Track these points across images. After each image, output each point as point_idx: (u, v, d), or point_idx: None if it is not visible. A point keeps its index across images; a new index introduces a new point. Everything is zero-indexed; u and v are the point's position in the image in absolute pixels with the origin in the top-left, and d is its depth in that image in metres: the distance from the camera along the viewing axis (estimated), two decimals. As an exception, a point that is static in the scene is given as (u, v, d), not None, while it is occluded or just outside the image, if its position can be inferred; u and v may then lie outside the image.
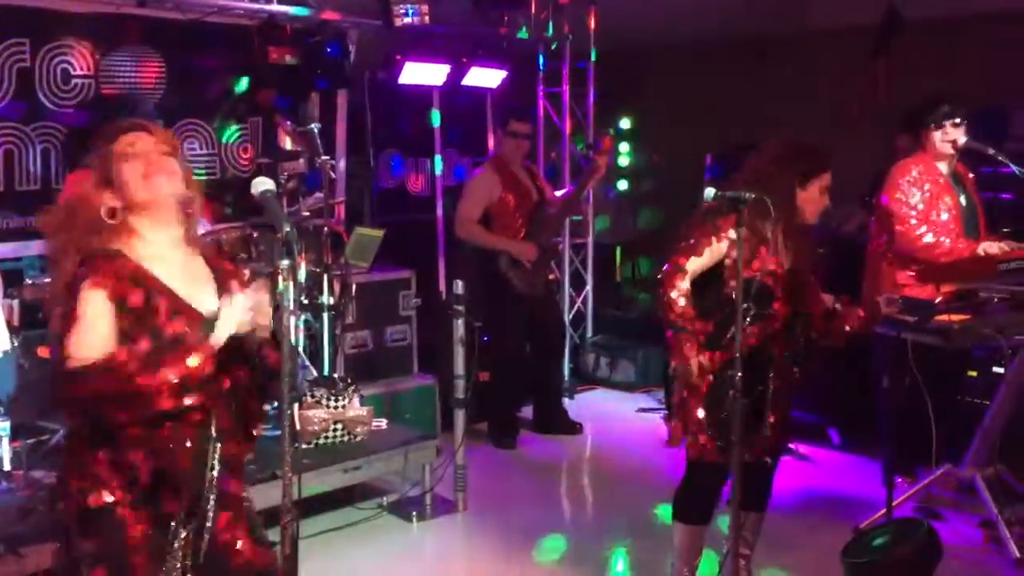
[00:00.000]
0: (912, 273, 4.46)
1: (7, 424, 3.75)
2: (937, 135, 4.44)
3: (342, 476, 4.28)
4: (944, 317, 3.93)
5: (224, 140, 5.37)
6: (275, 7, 5.16)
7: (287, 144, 5.55)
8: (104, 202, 2.23)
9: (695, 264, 3.25)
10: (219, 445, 2.21)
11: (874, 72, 6.38)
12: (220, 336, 2.13)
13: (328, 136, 5.52)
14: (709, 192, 3.20)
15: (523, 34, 6.39)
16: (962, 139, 4.44)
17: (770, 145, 3.45)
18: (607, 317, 7.30)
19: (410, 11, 5.40)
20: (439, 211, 6.56)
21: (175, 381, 2.06)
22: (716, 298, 3.28)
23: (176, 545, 2.18)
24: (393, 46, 5.77)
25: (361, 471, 4.38)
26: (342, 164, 5.84)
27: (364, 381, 5.01)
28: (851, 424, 5.48)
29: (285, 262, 2.02)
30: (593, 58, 6.86)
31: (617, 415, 6.36)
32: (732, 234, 3.17)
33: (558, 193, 6.01)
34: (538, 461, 5.56)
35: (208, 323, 2.16)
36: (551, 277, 6.24)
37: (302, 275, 4.70)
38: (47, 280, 4.01)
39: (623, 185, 8.03)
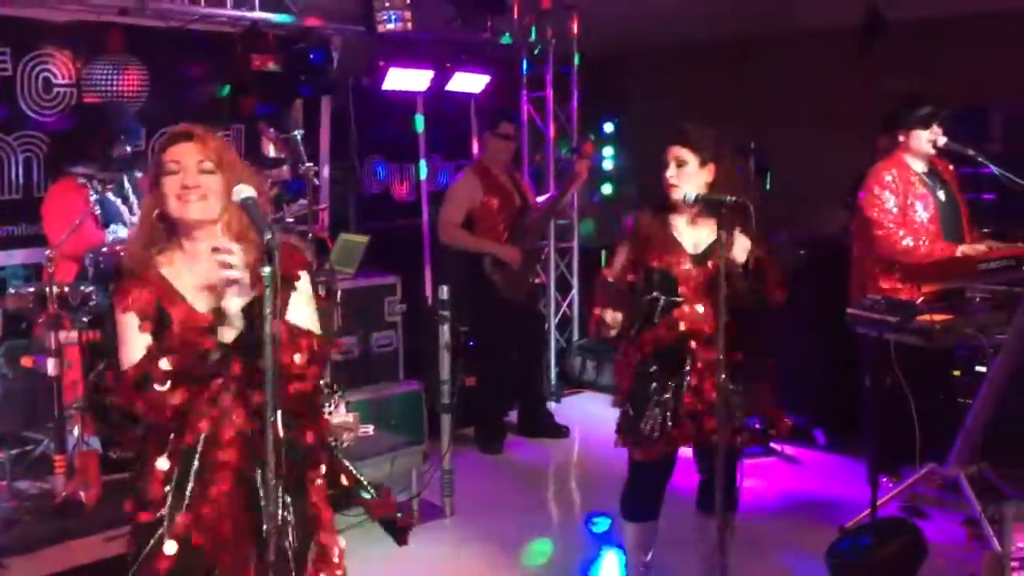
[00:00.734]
0: (896, 276, 4.49)
1: (-8, 434, 3.73)
2: (924, 134, 4.47)
3: (329, 483, 4.27)
4: (926, 317, 3.95)
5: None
6: (257, 14, 5.16)
7: (270, 151, 5.53)
8: (152, 204, 2.32)
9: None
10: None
11: (857, 73, 6.42)
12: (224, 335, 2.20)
13: (312, 143, 5.52)
14: (691, 195, 3.22)
15: (506, 39, 6.40)
16: (942, 139, 4.48)
17: None
18: (593, 321, 7.30)
19: (393, 17, 5.40)
20: (424, 216, 6.56)
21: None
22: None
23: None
24: (376, 52, 5.78)
25: (348, 477, 4.37)
26: (326, 171, 5.84)
27: (350, 387, 5.00)
28: (836, 425, 5.51)
29: (267, 269, 2.02)
30: (576, 62, 6.87)
31: (603, 418, 6.29)
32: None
33: (540, 199, 6.02)
34: (525, 465, 5.57)
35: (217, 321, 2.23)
36: (536, 281, 6.25)
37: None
38: (31, 289, 4.00)
39: (607, 189, 8.05)
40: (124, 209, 4.24)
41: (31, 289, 4.01)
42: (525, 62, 6.84)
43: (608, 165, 8.01)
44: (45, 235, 4.24)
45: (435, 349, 4.68)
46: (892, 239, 4.41)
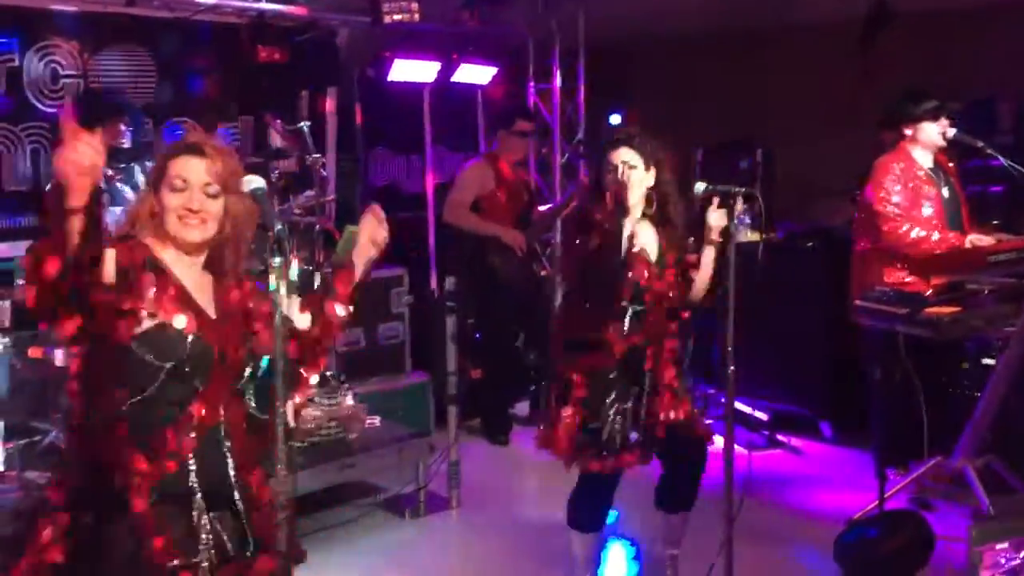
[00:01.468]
0: (900, 268, 4.48)
1: (0, 425, 3.74)
2: (933, 126, 4.45)
3: (336, 474, 4.28)
4: (934, 309, 3.94)
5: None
6: (264, 5, 5.15)
7: (277, 142, 5.53)
8: (152, 205, 2.25)
9: None
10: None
11: (862, 65, 6.40)
12: None
13: (318, 134, 5.51)
14: (699, 186, 3.21)
15: (513, 31, 6.39)
16: (951, 131, 4.46)
17: None
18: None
19: (399, 8, 5.39)
20: (430, 208, 6.55)
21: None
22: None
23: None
24: (383, 44, 5.77)
25: (355, 469, 4.38)
26: (332, 162, 5.83)
27: (357, 379, 5.02)
28: (842, 417, 5.50)
29: (277, 260, 2.01)
30: (583, 54, 6.86)
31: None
32: None
33: (542, 208, 6.01)
34: (531, 456, 5.54)
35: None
36: (543, 273, 6.24)
37: (294, 273, 4.69)
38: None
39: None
40: (133, 198, 4.24)
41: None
42: (532, 53, 6.83)
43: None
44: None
45: (442, 341, 4.68)
46: (900, 231, 4.40)
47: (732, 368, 3.03)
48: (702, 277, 3.37)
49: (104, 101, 4.50)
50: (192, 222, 2.21)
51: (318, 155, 4.98)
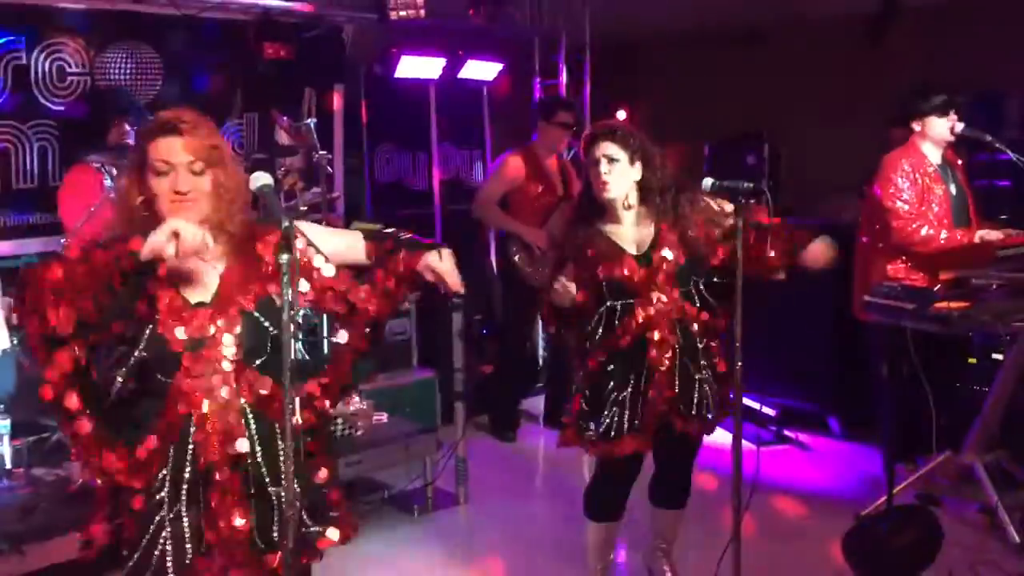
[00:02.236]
0: (904, 264, 4.46)
1: (7, 422, 3.74)
2: (942, 122, 4.43)
3: (343, 470, 4.26)
4: (943, 304, 3.93)
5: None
6: (270, 2, 5.15)
7: (284, 139, 5.54)
8: (136, 195, 2.22)
9: None
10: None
11: (869, 59, 6.38)
12: None
13: (325, 131, 5.51)
14: (707, 182, 3.19)
15: (519, 27, 6.38)
16: (959, 126, 4.44)
17: None
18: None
19: (406, 5, 5.39)
20: (436, 205, 6.55)
21: None
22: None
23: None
24: (389, 40, 5.76)
25: (362, 465, 4.38)
26: (339, 159, 5.83)
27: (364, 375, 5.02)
28: (851, 413, 5.49)
29: (284, 257, 2.01)
30: (589, 49, 6.84)
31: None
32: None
33: None
34: (539, 453, 5.57)
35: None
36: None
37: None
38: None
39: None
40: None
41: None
42: (538, 50, 6.81)
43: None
44: (61, 221, 4.25)
45: (449, 337, 4.68)
46: (910, 228, 4.38)
47: (740, 364, 3.02)
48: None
49: (110, 100, 4.50)
50: (185, 205, 2.18)
51: (324, 152, 4.97)
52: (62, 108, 4.71)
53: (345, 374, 2.44)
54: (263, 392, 2.24)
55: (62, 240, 4.08)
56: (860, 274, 4.66)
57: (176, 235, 2.04)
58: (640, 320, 3.21)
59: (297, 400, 2.24)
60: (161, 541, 2.19)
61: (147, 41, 4.98)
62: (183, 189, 2.17)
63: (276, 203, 2.15)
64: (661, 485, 3.58)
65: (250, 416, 2.24)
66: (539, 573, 3.99)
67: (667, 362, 3.25)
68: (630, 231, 3.30)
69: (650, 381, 3.24)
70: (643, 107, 7.88)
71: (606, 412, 3.24)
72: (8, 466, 3.72)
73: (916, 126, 4.51)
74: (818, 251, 3.35)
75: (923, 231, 4.36)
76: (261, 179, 2.17)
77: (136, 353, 2.16)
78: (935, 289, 4.09)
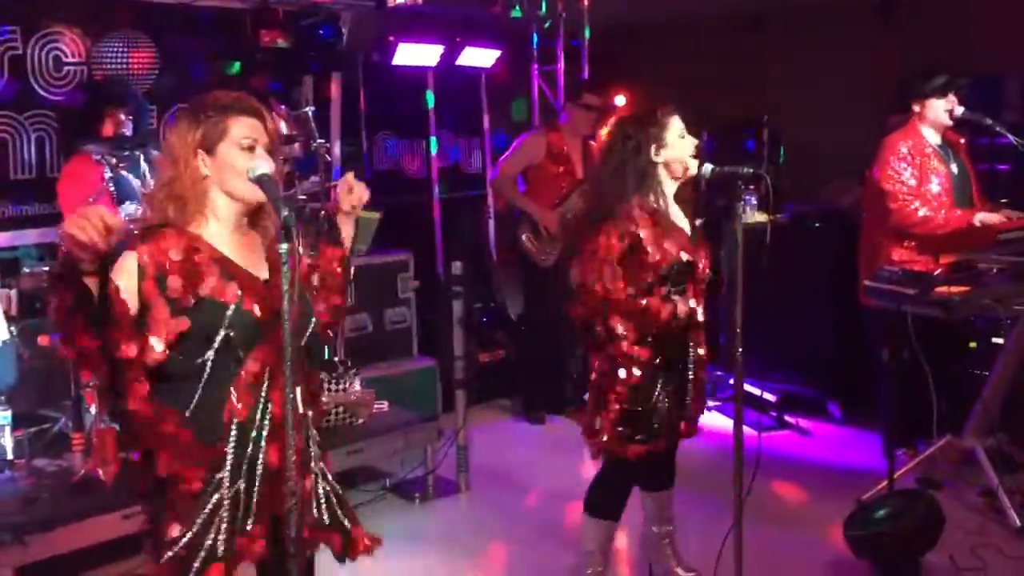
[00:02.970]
0: (908, 247, 4.46)
1: (8, 413, 3.74)
2: (940, 104, 4.42)
3: (344, 459, 4.28)
4: (944, 289, 3.93)
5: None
6: (267, -10, 5.13)
7: (282, 128, 5.51)
8: (201, 168, 2.22)
9: None
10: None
11: (871, 44, 6.35)
12: None
13: (323, 119, 5.49)
14: (707, 168, 3.19)
15: (516, 13, 6.34)
16: (959, 109, 4.43)
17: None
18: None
19: (402, -9, 5.36)
20: (435, 192, 6.54)
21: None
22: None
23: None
24: (386, 27, 5.74)
25: (363, 453, 4.39)
26: (337, 147, 5.82)
27: (364, 364, 5.01)
28: (851, 398, 5.49)
29: (284, 246, 2.01)
30: (587, 36, 6.81)
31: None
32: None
33: None
34: (541, 440, 5.58)
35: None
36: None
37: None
38: (45, 269, 4.01)
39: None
40: (139, 187, 4.23)
41: (45, 268, 4.03)
42: (535, 36, 6.79)
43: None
44: (60, 212, 4.24)
45: (449, 325, 4.68)
46: (908, 211, 4.38)
47: (740, 350, 3.01)
48: None
49: (107, 90, 4.48)
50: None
51: (323, 140, 4.96)
52: (59, 98, 4.70)
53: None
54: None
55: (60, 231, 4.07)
56: (865, 259, 4.66)
57: None
58: (681, 311, 3.15)
59: (299, 389, 2.23)
60: (217, 521, 2.19)
61: (143, 30, 4.96)
62: (270, 168, 2.21)
63: (276, 192, 2.14)
64: (660, 470, 3.53)
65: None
66: (540, 560, 3.99)
67: (701, 350, 3.26)
68: (679, 214, 3.26)
69: (696, 369, 3.25)
70: (642, 93, 7.85)
71: (655, 412, 3.18)
72: (10, 457, 3.73)
73: (916, 107, 4.50)
74: None
75: (921, 212, 4.36)
76: (261, 168, 2.17)
77: (221, 332, 2.16)
78: (935, 273, 4.09)
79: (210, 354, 2.16)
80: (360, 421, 4.45)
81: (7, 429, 3.73)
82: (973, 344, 4.91)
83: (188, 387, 2.18)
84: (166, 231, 2.18)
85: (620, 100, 7.95)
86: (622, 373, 3.15)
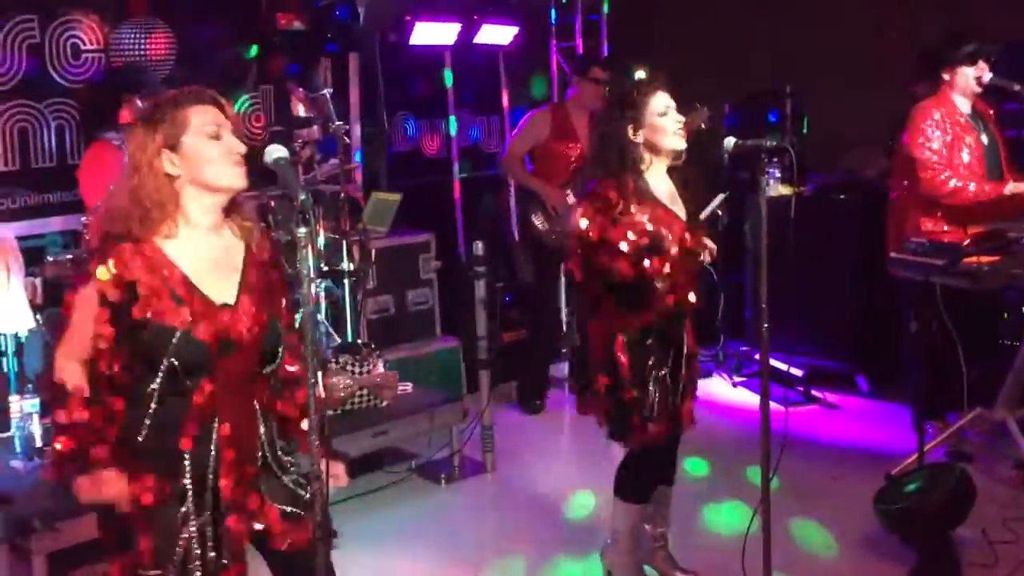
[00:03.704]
0: (936, 217, 4.39)
1: (36, 401, 3.77)
2: (970, 71, 4.35)
3: (370, 441, 4.29)
4: (973, 259, 3.87)
5: (236, 110, 5.32)
6: (283, -28, 5.10)
7: (300, 111, 5.50)
8: (165, 168, 2.18)
9: None
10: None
11: (895, 12, 6.24)
12: None
13: (341, 101, 5.47)
14: (729, 141, 3.13)
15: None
16: (987, 76, 4.35)
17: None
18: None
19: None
20: (455, 172, 6.51)
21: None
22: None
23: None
24: (402, 7, 5.69)
25: (389, 435, 4.39)
26: (356, 129, 5.80)
27: (387, 346, 5.02)
28: (879, 370, 5.44)
29: (302, 230, 1.99)
30: (606, 10, 6.74)
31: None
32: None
33: None
34: (566, 420, 5.56)
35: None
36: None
37: (321, 242, 4.70)
38: (69, 257, 4.03)
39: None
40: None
41: (69, 256, 4.05)
42: (554, 12, 6.73)
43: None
44: (82, 200, 4.25)
45: (471, 305, 4.66)
46: (938, 180, 4.30)
47: (766, 325, 2.98)
48: None
49: (126, 76, 4.48)
50: (241, 169, 2.19)
51: (341, 122, 4.94)
52: (78, 86, 4.70)
53: None
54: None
55: (82, 219, 4.09)
56: (893, 227, 4.59)
57: None
58: (673, 290, 3.12)
59: (320, 374, 2.22)
60: (192, 554, 2.18)
61: (160, 16, 4.94)
62: (241, 150, 2.19)
63: (292, 176, 2.12)
64: (668, 462, 3.46)
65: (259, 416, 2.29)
66: (566, 540, 3.99)
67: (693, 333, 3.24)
68: (662, 184, 3.23)
69: (685, 353, 3.22)
70: (662, 67, 7.76)
71: (649, 389, 3.15)
72: (39, 444, 3.75)
73: (945, 75, 4.42)
74: None
75: (951, 183, 4.29)
76: (276, 152, 2.14)
77: (165, 360, 2.13)
78: (964, 244, 4.03)
79: (155, 381, 2.14)
80: (384, 403, 4.45)
81: (35, 416, 3.75)
82: (1004, 315, 4.84)
83: (139, 413, 2.16)
84: (125, 246, 2.13)
85: (640, 75, 7.88)
86: (619, 354, 3.11)
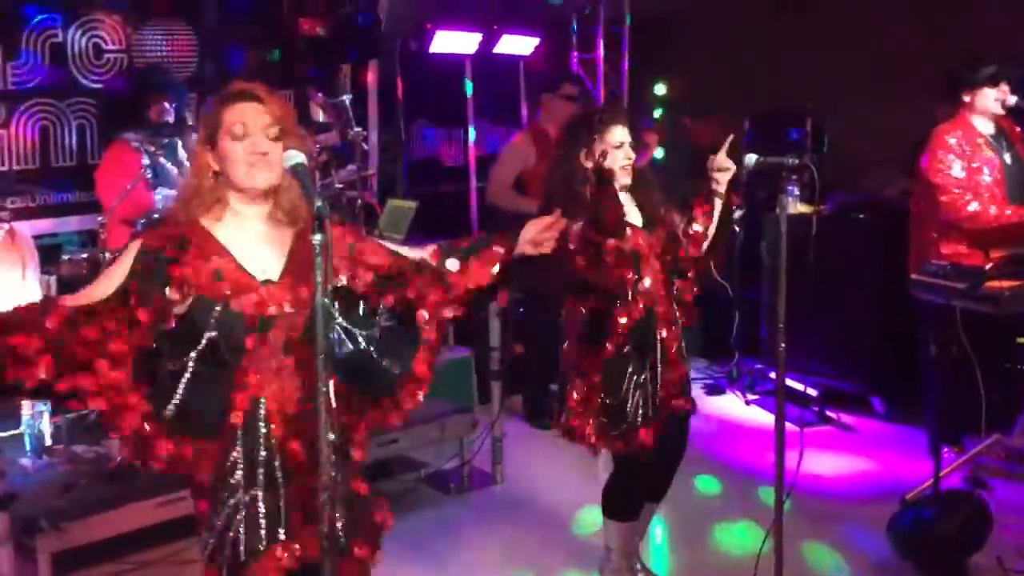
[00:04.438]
0: (958, 241, 4.34)
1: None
2: (992, 93, 4.31)
3: (380, 449, 4.27)
4: (994, 283, 3.83)
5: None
6: (305, -23, 5.12)
7: (319, 116, 5.51)
8: (209, 163, 2.22)
9: None
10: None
11: (916, 29, 6.21)
12: None
13: (360, 107, 5.48)
14: (750, 158, 3.11)
15: (556, -1, 6.30)
16: (1011, 99, 4.31)
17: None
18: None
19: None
20: (472, 182, 6.50)
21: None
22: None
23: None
24: (423, 14, 5.70)
25: (399, 444, 4.37)
26: (374, 136, 5.80)
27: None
28: (895, 393, 5.38)
29: (318, 237, 1.97)
30: (628, 22, 6.74)
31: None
32: None
33: None
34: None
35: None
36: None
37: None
38: (85, 256, 4.03)
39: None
40: (176, 174, 4.24)
41: (85, 255, 4.05)
42: (575, 23, 6.72)
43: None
44: (99, 198, 4.26)
45: (484, 316, 4.64)
46: (958, 204, 4.26)
47: (783, 345, 2.94)
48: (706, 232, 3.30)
49: (148, 78, 4.50)
50: (260, 171, 2.18)
51: (360, 129, 4.95)
52: (100, 86, 4.72)
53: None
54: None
55: (99, 218, 4.09)
56: (915, 252, 4.55)
57: None
58: (644, 297, 3.16)
59: (332, 383, 2.20)
60: (235, 524, 2.18)
61: (182, 18, 4.97)
62: (263, 149, 2.18)
63: (310, 182, 2.11)
64: (655, 477, 3.42)
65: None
66: (572, 555, 3.95)
67: (674, 342, 3.23)
68: (627, 205, 3.27)
69: (664, 361, 3.20)
70: (682, 81, 7.75)
71: (628, 401, 3.15)
72: (48, 443, 3.75)
73: (966, 97, 4.38)
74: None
75: (971, 206, 4.24)
76: (294, 157, 2.13)
77: (206, 334, 2.14)
78: (986, 268, 3.98)
79: (193, 354, 2.14)
80: (395, 411, 4.42)
81: (46, 415, 3.75)
82: (1020, 340, 4.79)
83: (173, 386, 2.15)
84: (170, 220, 2.22)
85: (660, 89, 7.87)
86: (596, 367, 3.15)
